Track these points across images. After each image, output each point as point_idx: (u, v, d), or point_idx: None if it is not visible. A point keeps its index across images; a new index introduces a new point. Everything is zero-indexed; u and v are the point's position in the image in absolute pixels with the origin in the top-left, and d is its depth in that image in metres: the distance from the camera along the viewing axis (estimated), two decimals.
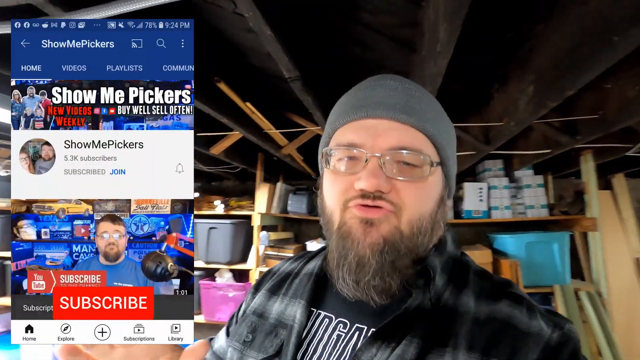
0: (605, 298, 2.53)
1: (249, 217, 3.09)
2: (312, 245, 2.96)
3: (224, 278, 3.12)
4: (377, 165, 0.53)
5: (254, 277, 2.96)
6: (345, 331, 0.57)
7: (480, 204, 2.80)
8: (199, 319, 3.03)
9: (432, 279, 0.54)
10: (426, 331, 0.51)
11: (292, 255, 2.97)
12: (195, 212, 3.13)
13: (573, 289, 2.54)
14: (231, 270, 3.17)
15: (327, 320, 0.59)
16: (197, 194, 3.24)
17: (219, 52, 1.52)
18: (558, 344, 0.50)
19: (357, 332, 0.56)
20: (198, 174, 3.55)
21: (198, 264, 3.05)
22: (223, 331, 0.73)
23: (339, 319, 0.58)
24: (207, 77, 1.57)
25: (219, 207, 3.17)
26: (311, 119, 2.03)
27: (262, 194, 3.06)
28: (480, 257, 2.59)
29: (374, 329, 0.54)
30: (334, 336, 0.57)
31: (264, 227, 3.15)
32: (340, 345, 0.55)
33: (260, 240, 3.02)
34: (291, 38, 1.22)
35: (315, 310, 0.61)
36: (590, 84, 1.55)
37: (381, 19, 1.24)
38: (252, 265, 3.00)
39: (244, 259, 3.17)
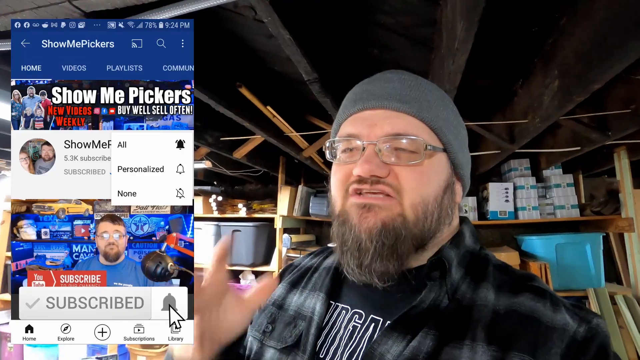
0: None
1: (271, 220, 3.12)
2: (333, 247, 2.93)
3: (248, 280, 3.16)
4: (373, 152, 0.55)
5: None
6: (361, 322, 0.57)
7: (506, 205, 2.70)
8: None
9: (448, 271, 0.54)
10: (443, 323, 0.51)
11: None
12: (219, 215, 3.24)
13: (608, 293, 2.42)
14: (254, 272, 3.20)
15: (343, 311, 0.60)
16: (220, 198, 3.29)
17: (240, 58, 1.56)
18: (585, 338, 0.48)
19: (373, 324, 0.56)
20: (222, 178, 3.61)
21: None
22: None
23: (355, 310, 0.59)
24: (229, 82, 1.61)
25: (242, 210, 3.21)
26: (331, 121, 2.02)
27: (283, 197, 3.07)
28: (506, 259, 2.49)
29: (390, 321, 0.54)
30: (350, 327, 0.57)
31: (286, 230, 3.17)
32: (356, 336, 0.56)
33: (283, 242, 3.04)
34: (309, 41, 1.24)
35: (333, 302, 0.62)
36: (620, 77, 1.48)
37: (398, 19, 1.23)
38: (275, 268, 3.02)
39: (266, 261, 3.21)
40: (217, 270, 0.52)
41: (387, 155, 0.55)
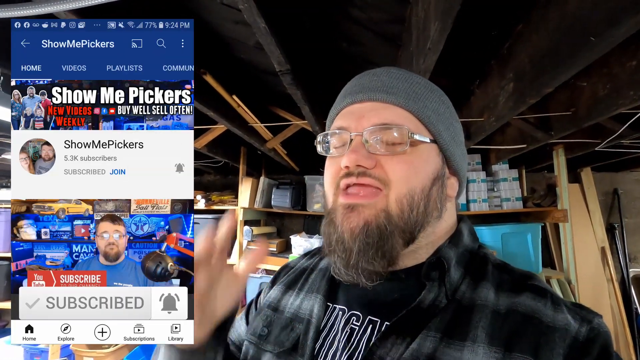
0: (574, 285, 2.65)
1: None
2: (296, 240, 2.95)
3: None
4: (360, 142, 0.55)
5: None
6: (359, 324, 0.56)
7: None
8: None
9: (447, 271, 0.54)
10: (443, 325, 0.50)
11: (273, 249, 2.94)
12: None
13: (545, 277, 2.65)
14: None
15: (340, 313, 0.59)
16: None
17: (205, 43, 1.50)
18: (587, 339, 0.47)
19: (371, 326, 0.55)
20: None
21: None
22: (242, 321, 0.74)
23: (352, 312, 0.58)
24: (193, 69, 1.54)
25: (201, 202, 3.13)
26: (296, 113, 2.02)
27: (245, 188, 3.02)
28: None
29: (388, 322, 0.53)
30: (347, 329, 0.56)
31: (247, 222, 3.13)
32: (354, 339, 0.55)
33: (244, 234, 3.00)
34: (282, 30, 1.21)
35: (331, 305, 0.61)
36: (564, 83, 1.60)
37: (370, 14, 1.25)
38: (236, 260, 2.97)
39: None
40: (222, 245, 0.53)
41: (374, 146, 0.55)
